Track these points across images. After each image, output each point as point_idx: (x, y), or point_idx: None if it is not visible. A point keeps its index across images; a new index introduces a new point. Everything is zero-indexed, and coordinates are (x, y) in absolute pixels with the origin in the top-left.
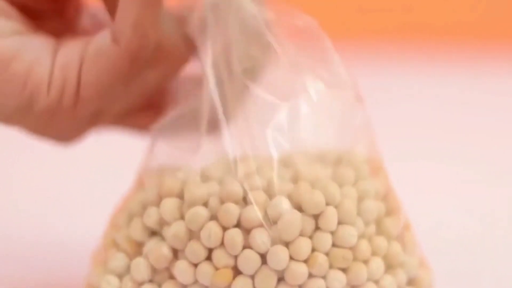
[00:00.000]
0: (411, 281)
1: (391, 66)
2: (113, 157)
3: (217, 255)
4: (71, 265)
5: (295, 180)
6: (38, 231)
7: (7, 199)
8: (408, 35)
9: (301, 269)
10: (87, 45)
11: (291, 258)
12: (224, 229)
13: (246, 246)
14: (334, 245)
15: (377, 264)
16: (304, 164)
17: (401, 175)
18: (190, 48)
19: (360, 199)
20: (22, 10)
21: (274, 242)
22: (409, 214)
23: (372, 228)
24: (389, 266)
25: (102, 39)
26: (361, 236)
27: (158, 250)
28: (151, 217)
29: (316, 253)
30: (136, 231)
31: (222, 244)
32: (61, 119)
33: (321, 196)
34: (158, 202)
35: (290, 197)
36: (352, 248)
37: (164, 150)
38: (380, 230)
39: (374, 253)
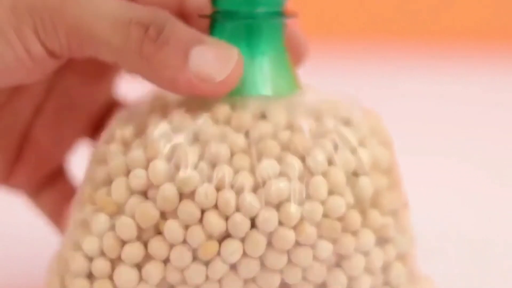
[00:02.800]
0: (400, 257)
1: (398, 65)
2: None
3: (209, 218)
4: None
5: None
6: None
7: None
8: (413, 35)
9: (288, 235)
10: None
11: (280, 223)
12: (218, 190)
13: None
14: (324, 215)
15: (367, 236)
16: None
17: (406, 173)
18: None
19: (358, 169)
20: None
21: (263, 205)
22: (412, 212)
23: (367, 201)
24: (380, 240)
25: None
26: (352, 207)
27: (146, 210)
28: (139, 179)
29: (305, 222)
30: (119, 193)
31: (215, 207)
32: None
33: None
34: (145, 164)
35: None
36: (341, 218)
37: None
38: (375, 203)
39: (365, 225)
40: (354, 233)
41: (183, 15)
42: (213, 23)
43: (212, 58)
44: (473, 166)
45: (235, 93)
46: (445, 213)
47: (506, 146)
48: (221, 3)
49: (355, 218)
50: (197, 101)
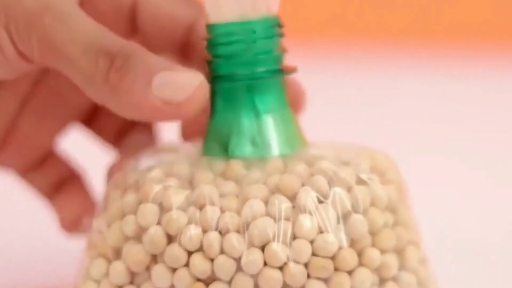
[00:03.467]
0: None
1: (398, 65)
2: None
3: (195, 261)
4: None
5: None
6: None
7: None
8: (414, 35)
9: (274, 276)
10: None
11: (265, 264)
12: (204, 232)
13: (222, 251)
14: (313, 254)
15: (363, 275)
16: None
17: (410, 173)
18: None
19: (354, 206)
20: None
21: (248, 246)
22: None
23: (364, 240)
24: (382, 280)
25: None
26: (347, 246)
27: (136, 254)
28: (130, 225)
29: (290, 262)
30: (115, 237)
31: (200, 249)
32: None
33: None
34: (136, 208)
35: (264, 200)
36: (333, 257)
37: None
38: (374, 241)
39: (362, 264)
40: (349, 272)
41: (189, 46)
42: (214, 87)
43: (174, 81)
44: (473, 166)
45: (242, 154)
46: (445, 213)
47: (506, 146)
48: (220, 67)
49: (349, 256)
50: (202, 161)
